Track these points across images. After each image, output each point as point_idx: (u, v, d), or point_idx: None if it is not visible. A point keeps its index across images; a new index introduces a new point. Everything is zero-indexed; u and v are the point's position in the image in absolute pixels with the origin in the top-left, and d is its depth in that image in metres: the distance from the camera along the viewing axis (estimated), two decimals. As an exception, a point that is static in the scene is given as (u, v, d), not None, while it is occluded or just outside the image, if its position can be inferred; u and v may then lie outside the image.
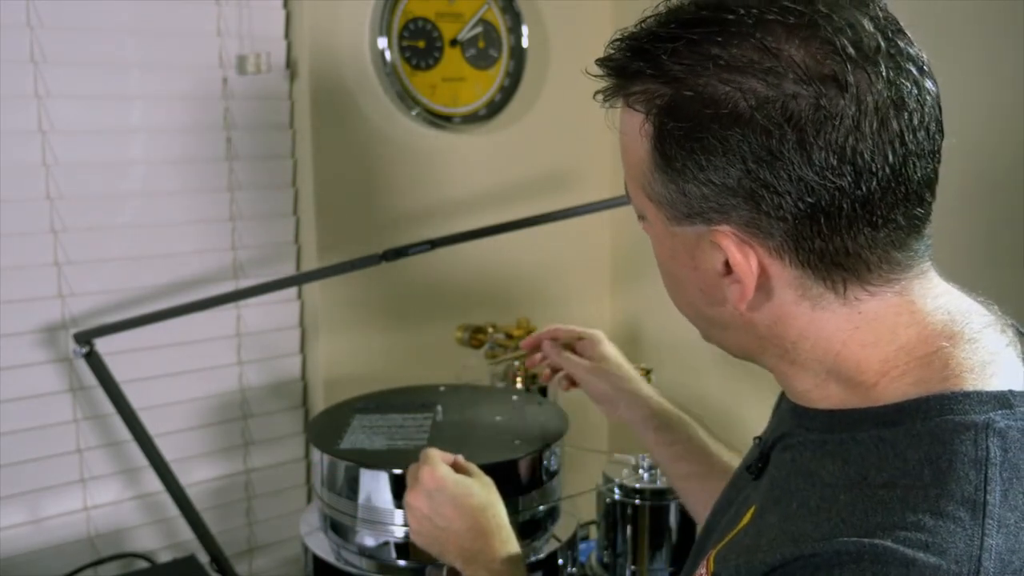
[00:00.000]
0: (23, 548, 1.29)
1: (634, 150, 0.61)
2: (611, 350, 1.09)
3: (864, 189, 0.55)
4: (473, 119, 1.54)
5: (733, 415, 1.50)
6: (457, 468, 0.94)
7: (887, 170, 0.55)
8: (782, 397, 0.73)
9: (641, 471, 1.19)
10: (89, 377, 1.24)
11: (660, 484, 1.18)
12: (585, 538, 1.33)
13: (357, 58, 1.43)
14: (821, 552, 0.53)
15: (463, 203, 1.57)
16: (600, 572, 1.24)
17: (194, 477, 1.41)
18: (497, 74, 1.55)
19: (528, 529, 1.11)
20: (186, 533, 1.34)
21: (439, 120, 1.50)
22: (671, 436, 1.01)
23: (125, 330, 1.22)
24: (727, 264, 0.59)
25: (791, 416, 0.67)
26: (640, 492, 1.18)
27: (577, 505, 1.22)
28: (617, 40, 0.60)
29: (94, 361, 1.21)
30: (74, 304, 1.29)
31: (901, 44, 0.56)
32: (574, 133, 1.68)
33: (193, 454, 1.41)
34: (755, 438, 0.75)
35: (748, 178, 0.55)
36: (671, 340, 1.63)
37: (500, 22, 1.55)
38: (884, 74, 0.54)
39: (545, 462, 1.12)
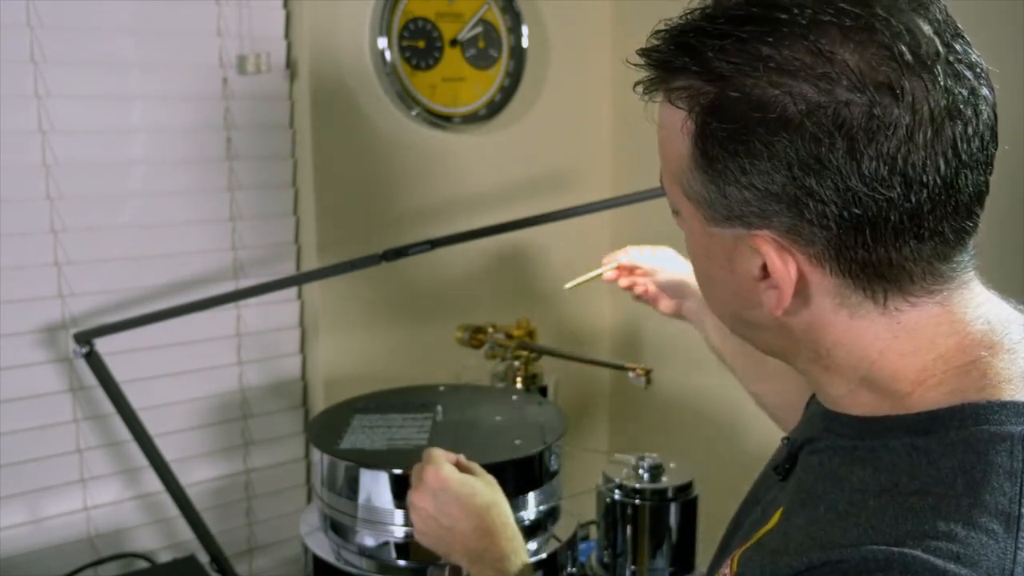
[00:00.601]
0: (23, 548, 1.30)
1: (674, 146, 0.59)
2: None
3: (913, 201, 0.53)
4: (473, 119, 1.54)
5: (734, 415, 1.50)
6: (460, 468, 0.94)
7: (938, 182, 0.53)
8: (813, 397, 0.71)
9: (641, 471, 1.19)
10: (89, 377, 1.24)
11: (660, 484, 1.18)
12: (585, 538, 1.33)
13: (357, 58, 1.43)
14: (848, 559, 0.52)
15: (463, 203, 1.57)
16: (600, 572, 1.24)
17: (194, 477, 1.41)
18: (497, 74, 1.55)
19: (528, 529, 1.11)
20: (186, 533, 1.34)
21: (439, 120, 1.50)
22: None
23: (125, 330, 1.22)
24: (764, 269, 0.58)
25: (821, 419, 0.65)
26: (640, 492, 1.17)
27: (577, 505, 1.22)
28: (662, 31, 0.58)
29: (94, 361, 1.21)
30: (74, 304, 1.29)
31: (959, 49, 0.54)
32: (574, 133, 1.68)
33: (193, 454, 1.42)
34: (783, 438, 0.74)
35: (793, 185, 0.53)
36: (671, 340, 1.62)
37: (500, 22, 1.55)
38: (941, 82, 0.52)
39: (545, 462, 1.12)
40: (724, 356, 1.07)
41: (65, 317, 1.29)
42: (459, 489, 0.90)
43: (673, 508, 1.18)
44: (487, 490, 0.92)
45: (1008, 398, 0.55)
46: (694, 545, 1.20)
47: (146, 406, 1.31)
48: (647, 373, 1.23)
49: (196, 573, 1.26)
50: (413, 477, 0.93)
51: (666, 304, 1.14)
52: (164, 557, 1.39)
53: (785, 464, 0.69)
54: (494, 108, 1.56)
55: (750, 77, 0.53)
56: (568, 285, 1.21)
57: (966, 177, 0.54)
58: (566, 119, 1.66)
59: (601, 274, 1.19)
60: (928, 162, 0.52)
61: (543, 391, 1.45)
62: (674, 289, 1.12)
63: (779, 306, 0.58)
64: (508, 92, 1.56)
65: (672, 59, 0.57)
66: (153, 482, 1.32)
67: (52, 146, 1.25)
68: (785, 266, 0.57)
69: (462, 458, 0.96)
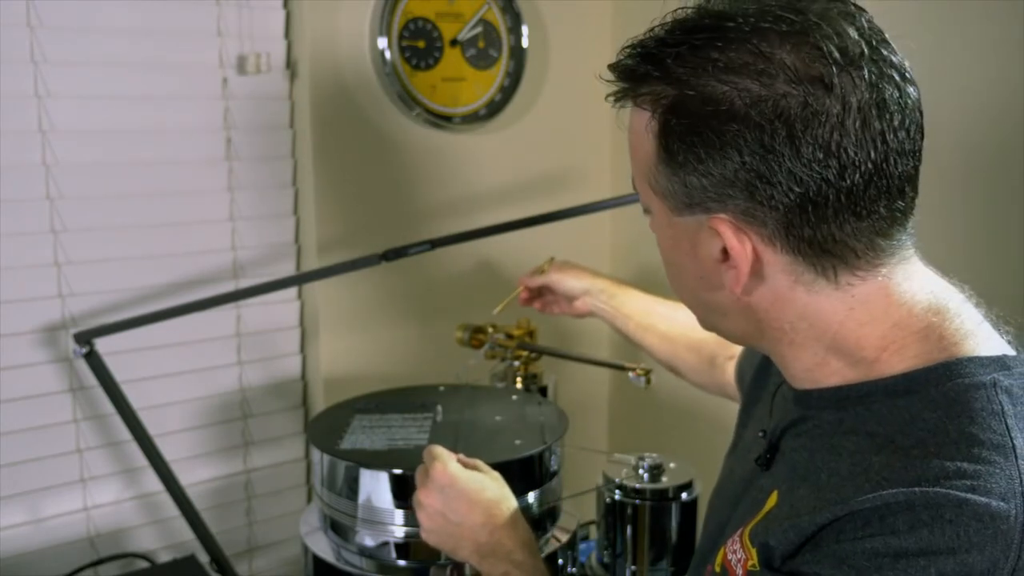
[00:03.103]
0: (23, 548, 1.30)
1: (641, 146, 0.66)
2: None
3: (848, 181, 0.59)
4: (473, 119, 1.54)
5: (734, 415, 1.50)
6: (464, 465, 0.94)
7: (869, 165, 0.59)
8: (777, 389, 0.76)
9: (641, 471, 1.19)
10: (89, 377, 1.24)
11: (660, 484, 1.18)
12: (585, 538, 1.33)
13: (357, 58, 1.43)
14: (871, 505, 0.57)
15: (463, 203, 1.57)
16: (600, 572, 1.24)
17: (194, 477, 1.41)
18: (497, 74, 1.55)
19: (528, 529, 1.11)
20: (186, 533, 1.34)
21: (439, 120, 1.50)
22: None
23: (125, 330, 1.22)
24: (724, 251, 0.64)
25: (796, 403, 0.69)
26: (640, 492, 1.17)
27: (577, 505, 1.22)
28: (627, 47, 0.65)
29: (94, 361, 1.21)
30: (74, 304, 1.29)
31: (884, 52, 0.60)
32: (574, 133, 1.68)
33: (193, 454, 1.42)
34: (759, 431, 0.77)
35: (743, 170, 0.60)
36: (671, 340, 1.62)
37: (500, 22, 1.55)
38: (867, 77, 0.59)
39: (545, 462, 1.12)
40: (635, 339, 1.21)
41: (65, 317, 1.29)
42: (467, 484, 0.90)
43: (673, 508, 1.18)
44: (495, 485, 0.93)
45: (971, 354, 0.62)
46: (694, 545, 1.20)
47: (146, 406, 1.31)
48: (647, 373, 1.23)
49: (196, 573, 1.26)
50: (418, 476, 0.93)
51: (577, 306, 1.26)
52: (164, 557, 1.39)
53: (766, 454, 0.73)
54: (494, 108, 1.56)
55: (702, 78, 0.60)
56: (495, 311, 1.32)
57: (895, 161, 0.61)
58: (566, 119, 1.66)
59: (516, 296, 1.30)
60: (860, 147, 0.59)
61: (543, 391, 1.44)
62: (580, 291, 1.24)
63: (738, 283, 0.64)
64: (508, 92, 1.56)
65: (637, 68, 0.63)
66: (153, 482, 1.32)
67: (52, 146, 1.25)
68: (741, 245, 0.63)
69: (462, 456, 0.96)
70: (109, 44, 1.27)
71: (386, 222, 1.49)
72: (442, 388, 1.32)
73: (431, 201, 1.53)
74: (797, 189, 0.59)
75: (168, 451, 1.30)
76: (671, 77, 0.61)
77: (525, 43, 1.56)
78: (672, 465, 1.21)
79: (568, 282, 1.26)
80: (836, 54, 0.58)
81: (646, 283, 1.68)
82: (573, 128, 1.67)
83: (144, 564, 1.35)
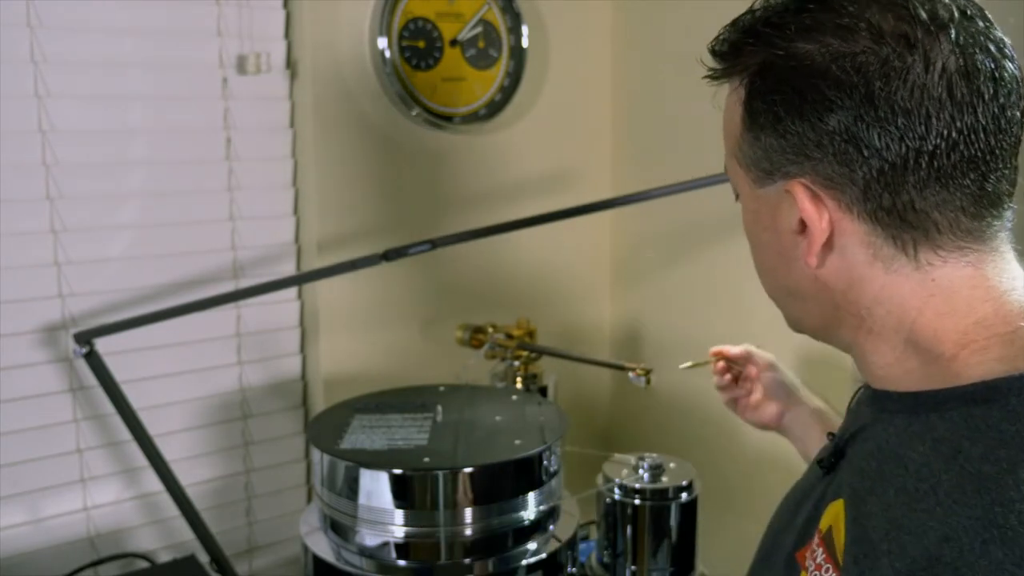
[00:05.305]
0: (23, 548, 1.30)
1: (731, 120, 0.66)
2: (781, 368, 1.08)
3: (931, 146, 0.57)
4: (473, 119, 1.54)
5: (734, 415, 1.50)
6: None
7: (954, 133, 0.57)
8: (856, 394, 0.73)
9: (641, 471, 1.19)
10: (89, 377, 1.24)
11: (660, 484, 1.18)
12: (585, 538, 1.33)
13: (357, 58, 1.43)
14: (951, 553, 0.53)
15: (463, 203, 1.57)
16: (600, 572, 1.24)
17: (194, 477, 1.41)
18: (497, 74, 1.55)
19: (528, 529, 1.11)
20: (186, 533, 1.34)
21: (439, 120, 1.50)
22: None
23: (125, 330, 1.22)
24: (802, 222, 0.62)
25: (870, 405, 0.67)
26: (640, 492, 1.17)
27: (577, 505, 1.22)
28: (726, 27, 0.66)
29: (94, 361, 1.21)
30: (74, 304, 1.29)
31: (981, 24, 0.59)
32: (574, 133, 1.68)
33: (193, 454, 1.42)
34: (828, 434, 0.75)
35: (821, 129, 0.59)
36: (671, 340, 1.62)
37: (500, 22, 1.55)
38: (956, 41, 0.57)
39: (545, 462, 1.12)
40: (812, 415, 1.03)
41: (65, 317, 1.29)
42: None
43: (673, 508, 1.18)
44: None
45: None
46: (694, 545, 1.20)
47: (146, 406, 1.31)
48: (647, 373, 1.23)
49: (196, 573, 1.26)
50: None
51: (770, 411, 1.05)
52: (164, 557, 1.39)
53: (831, 457, 0.69)
54: (494, 108, 1.56)
55: (789, 39, 0.60)
56: (682, 366, 1.13)
57: (985, 135, 0.58)
58: (566, 119, 1.66)
59: (709, 363, 1.10)
60: (943, 112, 0.57)
61: (543, 391, 1.45)
62: (785, 392, 1.04)
63: (811, 251, 0.62)
64: (508, 92, 1.56)
65: (735, 40, 0.64)
66: (153, 482, 1.32)
67: (52, 146, 1.25)
68: (816, 209, 0.61)
69: None
70: (109, 44, 1.27)
71: (386, 222, 1.49)
72: (442, 388, 1.32)
73: (431, 201, 1.53)
74: (877, 150, 0.58)
75: (168, 451, 1.30)
76: (762, 42, 0.62)
77: (525, 43, 1.56)
78: (672, 465, 1.21)
79: (762, 354, 1.09)
80: (924, 15, 0.57)
81: (646, 283, 1.68)
82: (573, 128, 1.67)
83: (144, 564, 1.35)
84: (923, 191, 0.58)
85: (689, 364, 1.12)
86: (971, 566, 0.51)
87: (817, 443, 0.96)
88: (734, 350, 1.09)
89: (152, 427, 1.27)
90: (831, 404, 1.03)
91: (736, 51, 0.64)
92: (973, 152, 0.58)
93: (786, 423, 1.04)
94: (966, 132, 0.57)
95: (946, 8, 0.58)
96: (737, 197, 0.70)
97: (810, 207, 0.61)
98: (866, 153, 0.58)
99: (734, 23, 0.65)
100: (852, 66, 0.57)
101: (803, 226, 0.63)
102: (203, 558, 1.31)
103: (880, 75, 0.57)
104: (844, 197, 0.60)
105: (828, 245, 0.62)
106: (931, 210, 0.59)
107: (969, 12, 0.59)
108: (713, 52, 0.66)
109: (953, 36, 0.57)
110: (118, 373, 1.24)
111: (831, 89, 0.58)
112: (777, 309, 0.73)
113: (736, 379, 1.10)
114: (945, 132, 0.57)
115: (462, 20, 1.51)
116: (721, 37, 0.66)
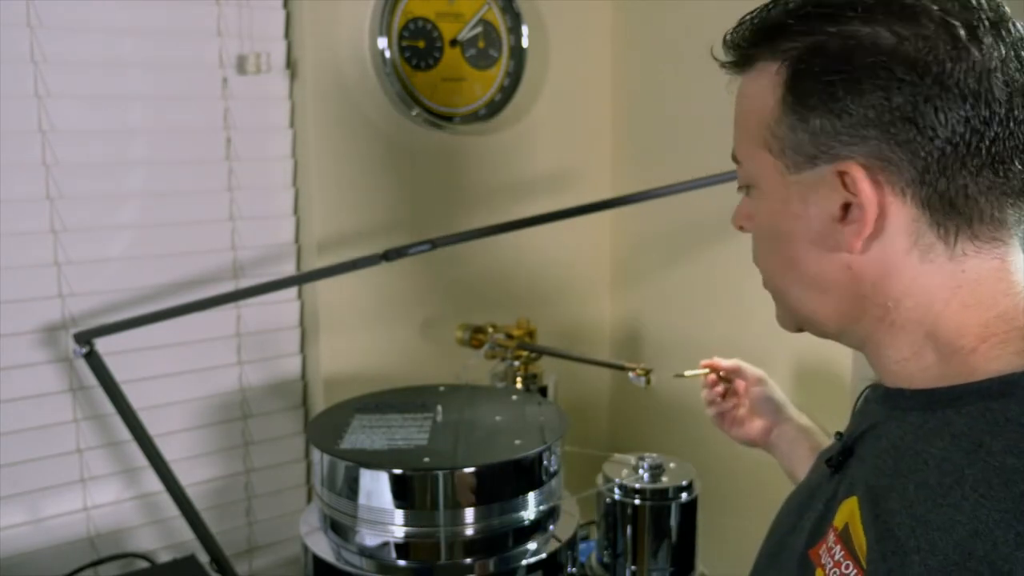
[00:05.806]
0: (23, 548, 1.30)
1: (755, 107, 0.65)
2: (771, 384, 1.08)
3: (993, 132, 0.58)
4: (473, 119, 1.54)
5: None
6: None
7: (1011, 123, 0.58)
8: (862, 394, 0.72)
9: (641, 471, 1.19)
10: (89, 377, 1.25)
11: (660, 484, 1.18)
12: (585, 538, 1.33)
13: (357, 58, 1.43)
14: (989, 551, 0.52)
15: (463, 203, 1.57)
16: (600, 572, 1.24)
17: (194, 477, 1.41)
18: (497, 74, 1.55)
19: (528, 529, 1.11)
20: (186, 533, 1.34)
21: (439, 120, 1.50)
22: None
23: (125, 330, 1.22)
24: (843, 208, 0.62)
25: (881, 403, 0.66)
26: (640, 492, 1.18)
27: (577, 505, 1.22)
28: (755, 13, 0.65)
29: (94, 361, 1.22)
30: (74, 304, 1.29)
31: (1016, 31, 0.61)
32: (574, 133, 1.68)
33: (193, 454, 1.42)
34: (836, 433, 0.74)
35: (885, 108, 0.59)
36: (671, 340, 1.63)
37: (500, 22, 1.55)
38: (1014, 32, 0.59)
39: (545, 462, 1.12)
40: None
41: (65, 317, 1.29)
42: None
43: (673, 508, 1.18)
44: None
45: None
46: (694, 545, 1.21)
47: (146, 406, 1.31)
48: (647, 373, 1.23)
49: (196, 573, 1.26)
50: None
51: (755, 427, 1.06)
52: (164, 557, 1.39)
53: (839, 456, 0.69)
54: (494, 108, 1.56)
55: (845, 22, 0.60)
56: (675, 376, 1.14)
57: None
58: (566, 119, 1.66)
59: (704, 375, 1.11)
60: (1003, 96, 0.58)
61: (543, 391, 1.45)
62: (773, 408, 1.05)
63: (859, 236, 0.61)
64: (508, 92, 1.56)
65: (777, 23, 0.63)
66: (153, 482, 1.32)
67: (52, 146, 1.25)
68: (873, 191, 0.60)
69: None
70: (109, 44, 1.27)
71: (386, 222, 1.49)
72: (442, 388, 1.32)
73: (431, 201, 1.54)
74: (942, 132, 0.58)
75: (168, 451, 1.30)
76: (811, 24, 0.61)
77: (525, 43, 1.56)
78: (672, 465, 1.22)
79: (752, 369, 1.09)
80: (986, 5, 0.59)
81: (646, 283, 1.68)
82: (573, 128, 1.67)
83: (144, 564, 1.35)
84: (977, 176, 0.59)
85: (682, 374, 1.12)
86: (1007, 559, 0.51)
87: (803, 460, 0.98)
88: (725, 363, 1.09)
89: (152, 427, 1.27)
90: (819, 423, 1.03)
91: (771, 36, 0.63)
92: (1018, 142, 0.59)
93: (772, 439, 1.05)
94: (1021, 118, 0.59)
95: (1001, 6, 0.60)
96: (745, 190, 0.69)
97: (868, 188, 0.60)
98: (930, 134, 0.58)
99: (762, 10, 0.64)
100: (924, 46, 0.58)
101: (843, 213, 0.62)
102: (203, 558, 1.31)
103: (950, 56, 0.58)
104: (899, 180, 0.60)
105: (875, 230, 0.61)
106: (980, 195, 0.59)
107: (1007, 16, 0.61)
108: (733, 42, 0.66)
109: (1011, 28, 0.59)
110: (118, 373, 1.24)
111: (899, 67, 0.58)
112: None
113: (725, 394, 1.10)
114: (1006, 118, 0.58)
115: (462, 20, 1.51)
116: (745, 25, 0.65)
